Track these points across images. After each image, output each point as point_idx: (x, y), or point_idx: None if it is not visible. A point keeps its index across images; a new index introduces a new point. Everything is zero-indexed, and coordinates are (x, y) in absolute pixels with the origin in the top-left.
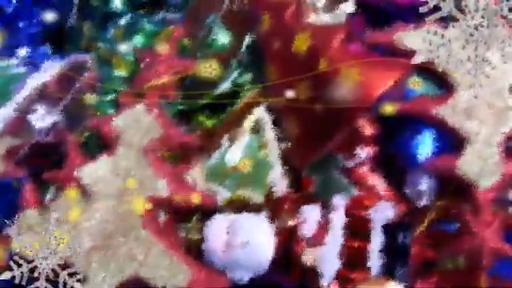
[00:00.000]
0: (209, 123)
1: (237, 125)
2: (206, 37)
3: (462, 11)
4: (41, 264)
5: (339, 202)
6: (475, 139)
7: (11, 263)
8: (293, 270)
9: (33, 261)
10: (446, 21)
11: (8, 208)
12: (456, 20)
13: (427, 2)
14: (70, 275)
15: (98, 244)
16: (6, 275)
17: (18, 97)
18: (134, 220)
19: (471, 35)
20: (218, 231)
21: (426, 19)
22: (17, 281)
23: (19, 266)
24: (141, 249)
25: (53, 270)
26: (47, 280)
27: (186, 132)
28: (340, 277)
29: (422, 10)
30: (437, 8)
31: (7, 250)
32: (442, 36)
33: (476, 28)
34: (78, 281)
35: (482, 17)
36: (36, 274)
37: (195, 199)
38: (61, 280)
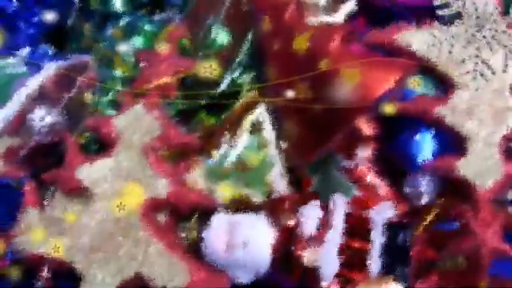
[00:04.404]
0: (209, 123)
1: (237, 125)
2: (206, 37)
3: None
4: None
5: (339, 201)
6: (475, 139)
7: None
8: (293, 270)
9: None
10: (447, 21)
11: (8, 208)
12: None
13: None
14: None
15: (97, 244)
16: None
17: (18, 97)
18: (134, 220)
19: (473, 36)
20: (217, 231)
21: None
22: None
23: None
24: (141, 249)
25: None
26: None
27: (186, 132)
28: (340, 277)
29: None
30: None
31: (9, 245)
32: (443, 36)
33: (478, 29)
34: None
35: (482, 17)
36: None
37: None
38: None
